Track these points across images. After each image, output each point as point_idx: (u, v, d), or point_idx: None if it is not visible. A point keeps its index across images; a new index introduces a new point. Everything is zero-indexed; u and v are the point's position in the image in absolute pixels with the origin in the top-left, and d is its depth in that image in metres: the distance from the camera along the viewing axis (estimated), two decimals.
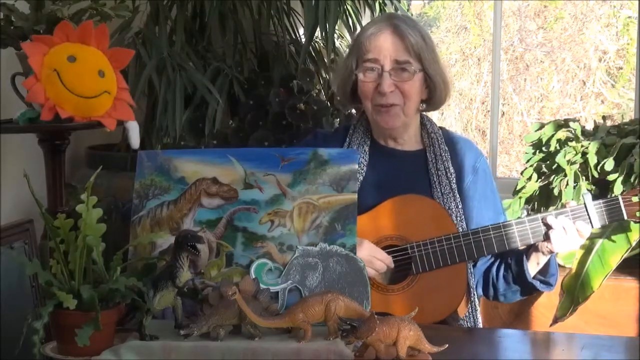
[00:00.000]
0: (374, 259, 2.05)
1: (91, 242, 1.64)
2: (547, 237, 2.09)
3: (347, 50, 2.41)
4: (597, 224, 2.10)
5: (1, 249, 1.88)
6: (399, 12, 3.34)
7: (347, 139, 2.28)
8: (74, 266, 1.63)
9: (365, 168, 2.23)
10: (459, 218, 2.19)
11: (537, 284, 2.17)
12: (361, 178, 2.20)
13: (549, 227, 2.09)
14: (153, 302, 1.66)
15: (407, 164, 2.26)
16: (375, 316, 1.62)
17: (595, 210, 2.10)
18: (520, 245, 2.11)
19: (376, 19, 2.37)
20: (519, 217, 2.14)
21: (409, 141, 2.28)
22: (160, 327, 1.70)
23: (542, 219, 2.10)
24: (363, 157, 2.24)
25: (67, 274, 1.64)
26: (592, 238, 2.71)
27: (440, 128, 2.31)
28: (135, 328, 1.67)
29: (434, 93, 2.24)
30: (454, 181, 2.22)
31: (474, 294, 2.19)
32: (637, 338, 2.29)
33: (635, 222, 2.14)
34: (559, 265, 2.30)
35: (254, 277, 1.78)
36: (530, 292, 2.22)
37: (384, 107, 2.19)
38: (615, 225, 2.63)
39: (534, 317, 2.88)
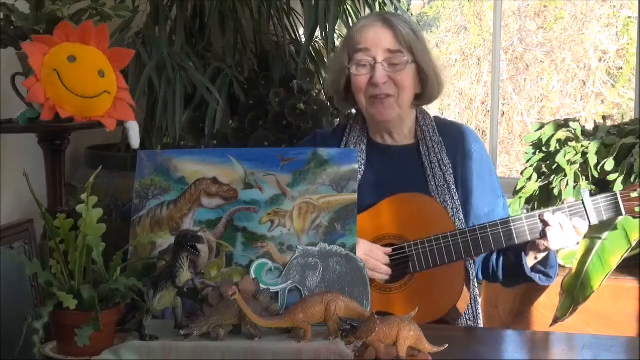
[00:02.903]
0: (370, 258, 2.05)
1: (91, 242, 1.64)
2: (544, 234, 2.09)
3: (338, 48, 2.41)
4: (595, 220, 2.10)
5: (1, 249, 1.88)
6: (398, 11, 3.34)
7: (344, 139, 2.28)
8: (74, 266, 1.63)
9: (362, 167, 2.23)
10: (455, 210, 2.19)
11: (536, 277, 2.18)
12: (359, 177, 2.20)
13: (545, 224, 2.09)
14: (153, 302, 1.66)
15: (402, 159, 2.26)
16: (375, 316, 1.62)
17: (593, 206, 2.09)
18: (517, 242, 2.11)
19: (366, 15, 2.43)
20: (516, 215, 2.14)
21: (404, 136, 2.28)
22: (160, 327, 1.71)
23: (539, 216, 2.10)
24: (360, 156, 2.24)
25: (67, 274, 1.64)
26: (592, 238, 2.71)
27: (435, 118, 2.32)
28: (135, 328, 1.68)
29: (426, 86, 2.25)
30: (448, 172, 2.22)
31: (474, 285, 2.19)
32: (637, 338, 2.29)
33: (634, 218, 2.14)
34: (559, 266, 2.30)
35: (254, 277, 1.78)
36: (530, 281, 2.22)
37: (378, 98, 2.20)
38: (612, 226, 2.63)
39: (534, 317, 2.88)
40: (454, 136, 2.28)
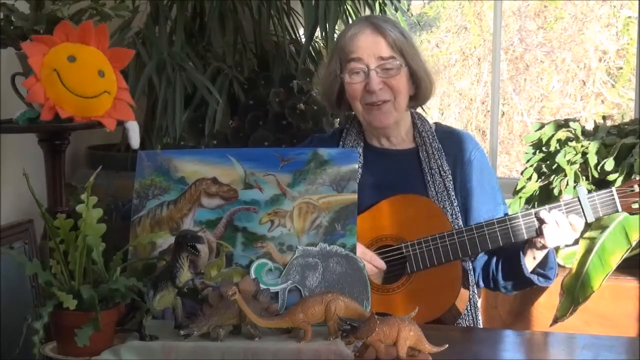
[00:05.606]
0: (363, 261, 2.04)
1: (91, 242, 1.64)
2: (540, 232, 2.09)
3: (329, 56, 2.38)
4: (591, 217, 2.10)
5: (1, 249, 1.88)
6: (398, 11, 3.34)
7: (341, 142, 2.29)
8: (74, 266, 1.63)
9: (360, 169, 2.23)
10: (454, 216, 2.19)
11: (535, 278, 2.17)
12: None
13: (542, 221, 2.09)
14: (153, 302, 1.66)
15: (400, 163, 2.26)
16: (375, 316, 1.62)
17: (589, 203, 2.09)
18: (514, 240, 2.11)
19: (354, 22, 2.37)
20: (513, 213, 2.14)
21: (402, 140, 2.28)
22: (160, 327, 1.71)
23: (535, 214, 2.10)
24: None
25: (67, 274, 1.64)
26: (592, 238, 2.71)
27: (435, 124, 2.32)
28: (135, 328, 1.68)
29: (419, 88, 2.26)
30: (448, 179, 2.22)
31: (473, 291, 2.19)
32: (637, 338, 2.29)
33: (631, 214, 2.14)
34: (559, 266, 2.30)
35: (254, 277, 1.78)
36: (530, 284, 2.22)
37: (375, 105, 2.20)
38: (615, 225, 2.63)
39: (534, 317, 2.88)
40: (453, 143, 2.28)
